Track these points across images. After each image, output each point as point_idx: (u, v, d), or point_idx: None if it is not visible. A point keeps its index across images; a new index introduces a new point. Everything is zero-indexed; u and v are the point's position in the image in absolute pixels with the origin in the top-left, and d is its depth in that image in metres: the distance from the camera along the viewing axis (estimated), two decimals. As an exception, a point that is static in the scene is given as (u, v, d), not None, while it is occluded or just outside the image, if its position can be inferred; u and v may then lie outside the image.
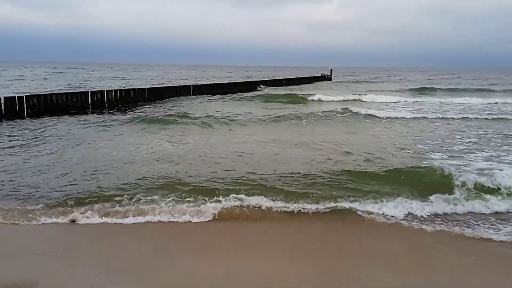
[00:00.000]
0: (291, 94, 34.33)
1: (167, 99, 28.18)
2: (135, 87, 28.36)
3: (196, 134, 15.39)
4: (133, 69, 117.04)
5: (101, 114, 20.68)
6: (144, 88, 27.77)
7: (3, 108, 18.05)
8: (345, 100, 31.47)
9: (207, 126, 17.28)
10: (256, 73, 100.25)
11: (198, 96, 31.46)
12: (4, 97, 18.52)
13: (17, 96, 19.13)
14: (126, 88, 28.25)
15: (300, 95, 33.00)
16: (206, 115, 19.43)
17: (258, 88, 42.69)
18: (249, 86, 42.30)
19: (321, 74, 72.18)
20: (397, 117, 21.06)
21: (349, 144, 13.44)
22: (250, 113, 21.82)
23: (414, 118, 21.00)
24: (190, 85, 33.06)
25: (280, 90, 40.48)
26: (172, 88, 30.93)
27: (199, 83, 39.87)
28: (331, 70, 77.88)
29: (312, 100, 31.35)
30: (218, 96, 32.34)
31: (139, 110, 22.39)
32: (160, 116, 18.74)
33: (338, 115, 21.26)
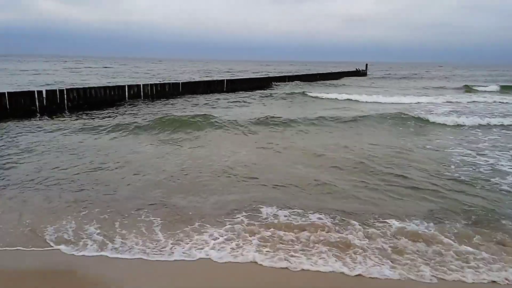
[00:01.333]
0: (329, 86, 33.86)
1: (200, 94, 28.64)
2: (170, 81, 28.83)
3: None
4: (176, 64, 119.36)
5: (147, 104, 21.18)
6: (179, 82, 28.20)
7: (44, 101, 18.76)
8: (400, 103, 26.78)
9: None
10: (290, 68, 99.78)
11: (237, 92, 31.68)
12: (46, 90, 19.23)
13: (58, 90, 19.82)
14: (161, 82, 28.73)
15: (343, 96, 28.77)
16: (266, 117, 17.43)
17: (273, 84, 39.25)
18: (282, 80, 42.26)
19: (356, 69, 70.87)
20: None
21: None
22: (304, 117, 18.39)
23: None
24: (224, 80, 33.27)
25: (316, 87, 40.14)
26: (206, 82, 31.22)
27: (233, 78, 40.14)
28: (366, 65, 76.32)
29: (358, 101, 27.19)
30: (255, 91, 32.41)
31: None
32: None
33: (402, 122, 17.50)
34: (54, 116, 17.89)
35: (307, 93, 30.24)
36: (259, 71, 73.45)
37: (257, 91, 32.45)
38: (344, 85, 44.21)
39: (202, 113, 17.76)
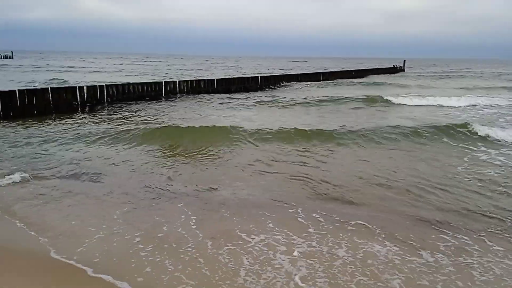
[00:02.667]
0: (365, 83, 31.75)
1: (235, 90, 29.11)
2: (205, 78, 29.37)
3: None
4: (214, 60, 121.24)
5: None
6: (214, 79, 28.68)
7: (85, 96, 19.64)
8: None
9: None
10: (325, 64, 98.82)
11: (283, 86, 31.93)
12: (87, 86, 20.12)
13: (98, 85, 20.68)
14: (196, 79, 29.30)
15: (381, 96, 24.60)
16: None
17: (282, 83, 35.26)
18: (316, 78, 42.00)
19: (393, 65, 69.26)
20: None
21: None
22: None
23: None
24: (258, 76, 33.49)
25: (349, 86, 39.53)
26: (240, 79, 31.52)
27: (267, 74, 40.30)
28: (404, 61, 74.36)
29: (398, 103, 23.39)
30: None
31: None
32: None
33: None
34: (97, 111, 18.78)
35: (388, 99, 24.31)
36: (293, 68, 73.32)
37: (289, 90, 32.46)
38: (385, 83, 40.43)
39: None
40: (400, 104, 23.40)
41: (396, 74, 60.11)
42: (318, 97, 24.85)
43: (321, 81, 41.13)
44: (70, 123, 15.55)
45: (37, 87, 20.36)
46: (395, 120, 17.17)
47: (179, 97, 24.16)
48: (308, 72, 43.86)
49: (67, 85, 23.22)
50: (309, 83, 38.17)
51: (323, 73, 44.97)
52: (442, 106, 23.02)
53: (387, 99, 24.05)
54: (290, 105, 22.09)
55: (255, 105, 21.96)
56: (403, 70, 68.38)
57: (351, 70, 53.42)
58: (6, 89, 17.27)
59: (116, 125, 15.03)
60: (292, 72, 47.08)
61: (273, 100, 23.73)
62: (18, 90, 17.25)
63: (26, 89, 17.63)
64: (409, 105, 23.00)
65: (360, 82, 40.52)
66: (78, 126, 14.89)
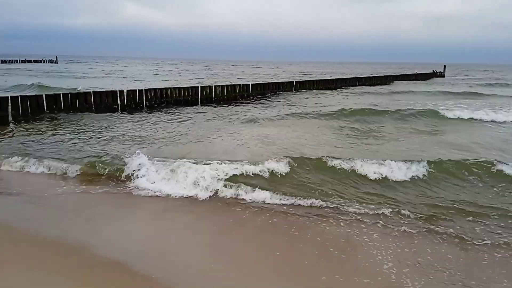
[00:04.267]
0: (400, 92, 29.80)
1: (269, 94, 29.28)
2: (240, 83, 29.64)
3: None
4: (253, 65, 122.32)
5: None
6: (249, 84, 28.89)
7: (125, 99, 20.28)
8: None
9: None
10: (362, 70, 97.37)
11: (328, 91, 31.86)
12: (127, 90, 20.78)
13: (138, 90, 21.31)
14: (232, 84, 29.61)
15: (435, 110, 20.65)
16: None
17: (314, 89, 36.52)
18: (352, 83, 41.46)
19: (433, 71, 67.30)
20: None
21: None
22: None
23: None
24: (293, 81, 33.46)
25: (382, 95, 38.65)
26: (275, 84, 31.58)
27: (302, 79, 40.20)
28: (444, 66, 72.07)
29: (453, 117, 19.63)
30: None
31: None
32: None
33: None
34: (135, 113, 19.36)
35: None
36: (329, 72, 72.67)
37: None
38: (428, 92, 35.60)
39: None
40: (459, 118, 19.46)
41: (429, 81, 57.86)
42: (350, 108, 20.58)
43: (357, 86, 40.57)
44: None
45: (80, 91, 21.22)
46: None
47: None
48: (344, 77, 43.33)
49: (108, 89, 24.07)
50: (345, 88, 37.78)
51: (359, 78, 44.35)
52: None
53: (441, 114, 20.08)
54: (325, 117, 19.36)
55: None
56: (443, 76, 66.30)
57: (389, 75, 52.39)
58: (52, 93, 18.12)
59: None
60: (327, 77, 46.63)
61: (302, 112, 20.89)
62: (63, 94, 18.06)
63: (70, 93, 18.43)
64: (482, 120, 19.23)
65: (399, 92, 39.05)
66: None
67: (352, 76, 46.20)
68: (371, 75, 51.13)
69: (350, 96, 30.87)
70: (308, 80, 37.10)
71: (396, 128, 16.88)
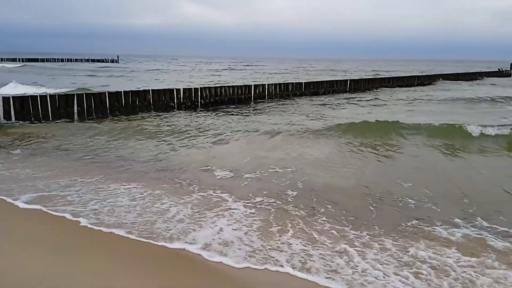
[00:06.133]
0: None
1: (322, 93, 28.97)
2: (293, 81, 29.54)
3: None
4: (308, 63, 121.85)
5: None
6: (302, 82, 28.72)
7: (181, 97, 20.92)
8: None
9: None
10: (426, 67, 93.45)
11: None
12: (183, 88, 21.41)
13: (194, 88, 21.89)
14: (285, 82, 29.59)
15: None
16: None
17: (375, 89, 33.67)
18: (410, 82, 39.88)
19: (499, 69, 63.15)
20: None
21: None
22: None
23: None
24: (347, 80, 32.81)
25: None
26: (328, 82, 31.13)
27: (357, 77, 39.35)
28: (511, 64, 67.32)
29: None
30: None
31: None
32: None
33: None
34: (193, 111, 19.95)
35: None
36: (389, 71, 70.43)
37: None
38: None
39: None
40: None
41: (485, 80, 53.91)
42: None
43: (416, 86, 38.96)
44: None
45: (140, 89, 22.16)
46: None
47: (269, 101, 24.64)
48: (401, 76, 41.78)
49: (166, 87, 24.94)
50: (402, 88, 36.46)
51: (418, 76, 42.61)
52: None
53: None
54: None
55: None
56: (509, 75, 61.92)
57: (456, 73, 49.89)
58: (114, 90, 19.09)
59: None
60: (386, 75, 45.20)
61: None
62: (124, 91, 18.96)
63: (131, 91, 19.31)
64: None
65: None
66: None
67: (410, 74, 44.43)
68: (433, 74, 48.91)
69: (413, 97, 29.73)
70: (364, 79, 36.24)
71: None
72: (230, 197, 8.03)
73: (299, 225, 6.73)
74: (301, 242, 6.10)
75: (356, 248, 5.94)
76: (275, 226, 6.68)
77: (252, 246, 5.97)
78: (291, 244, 6.05)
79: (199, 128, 15.40)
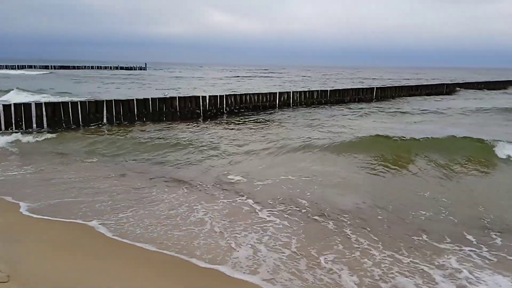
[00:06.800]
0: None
1: (348, 102, 28.71)
2: (318, 89, 29.38)
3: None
4: (336, 70, 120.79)
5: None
6: (327, 90, 28.52)
7: (207, 105, 21.12)
8: None
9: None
10: (453, 75, 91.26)
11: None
12: (209, 96, 21.62)
13: (219, 95, 22.07)
14: (310, 90, 29.46)
15: None
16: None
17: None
18: (439, 90, 39.03)
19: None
20: None
21: None
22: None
23: None
24: (373, 88, 32.37)
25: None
26: (354, 90, 30.77)
27: (382, 86, 38.81)
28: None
29: None
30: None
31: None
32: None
33: None
34: (219, 118, 20.12)
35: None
36: (416, 79, 69.23)
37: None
38: None
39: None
40: None
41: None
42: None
43: (444, 95, 38.07)
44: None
45: (167, 96, 22.51)
46: None
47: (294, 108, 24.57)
48: (429, 84, 40.96)
49: (191, 95, 25.26)
50: (430, 96, 35.73)
51: (447, 84, 41.65)
52: None
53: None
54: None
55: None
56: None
57: (487, 82, 48.55)
58: (141, 97, 19.47)
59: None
60: (412, 83, 44.40)
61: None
62: (151, 98, 19.30)
63: (158, 98, 19.64)
64: None
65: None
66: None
67: (440, 82, 43.47)
68: (462, 81, 47.75)
69: (442, 107, 28.96)
70: (390, 86, 35.68)
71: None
72: (259, 207, 8.03)
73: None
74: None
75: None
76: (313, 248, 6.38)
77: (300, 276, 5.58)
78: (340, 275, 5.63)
79: (228, 138, 15.43)
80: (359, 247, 6.39)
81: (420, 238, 6.73)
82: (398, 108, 25.52)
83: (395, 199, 8.72)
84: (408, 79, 71.28)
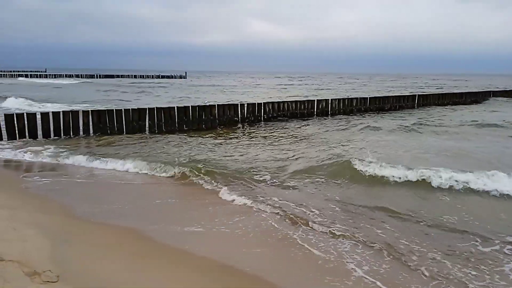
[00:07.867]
0: None
1: (389, 109, 28.13)
2: (357, 96, 28.98)
3: None
4: (374, 78, 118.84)
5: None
6: (367, 97, 28.07)
7: (245, 112, 21.35)
8: None
9: None
10: (500, 82, 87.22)
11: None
12: (247, 104, 21.86)
13: (257, 103, 22.26)
14: (348, 97, 29.10)
15: None
16: None
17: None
18: (485, 97, 37.49)
19: None
20: None
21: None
22: None
23: None
24: (415, 95, 31.54)
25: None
26: (395, 97, 30.09)
27: (426, 92, 37.74)
28: None
29: None
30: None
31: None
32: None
33: None
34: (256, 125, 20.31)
35: None
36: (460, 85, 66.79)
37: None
38: None
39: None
40: None
41: None
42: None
43: (490, 99, 36.54)
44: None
45: (206, 104, 22.95)
46: None
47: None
48: (475, 91, 39.45)
49: (230, 102, 25.62)
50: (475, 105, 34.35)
51: (493, 92, 39.96)
52: None
53: None
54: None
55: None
56: None
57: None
58: (182, 105, 19.96)
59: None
60: (456, 91, 42.90)
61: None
62: (191, 106, 19.75)
63: (198, 106, 20.07)
64: None
65: None
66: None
67: (484, 90, 41.76)
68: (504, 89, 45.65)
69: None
70: (433, 94, 34.60)
71: None
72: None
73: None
74: None
75: None
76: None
77: None
78: None
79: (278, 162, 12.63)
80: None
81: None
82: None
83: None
84: (456, 86, 68.74)
